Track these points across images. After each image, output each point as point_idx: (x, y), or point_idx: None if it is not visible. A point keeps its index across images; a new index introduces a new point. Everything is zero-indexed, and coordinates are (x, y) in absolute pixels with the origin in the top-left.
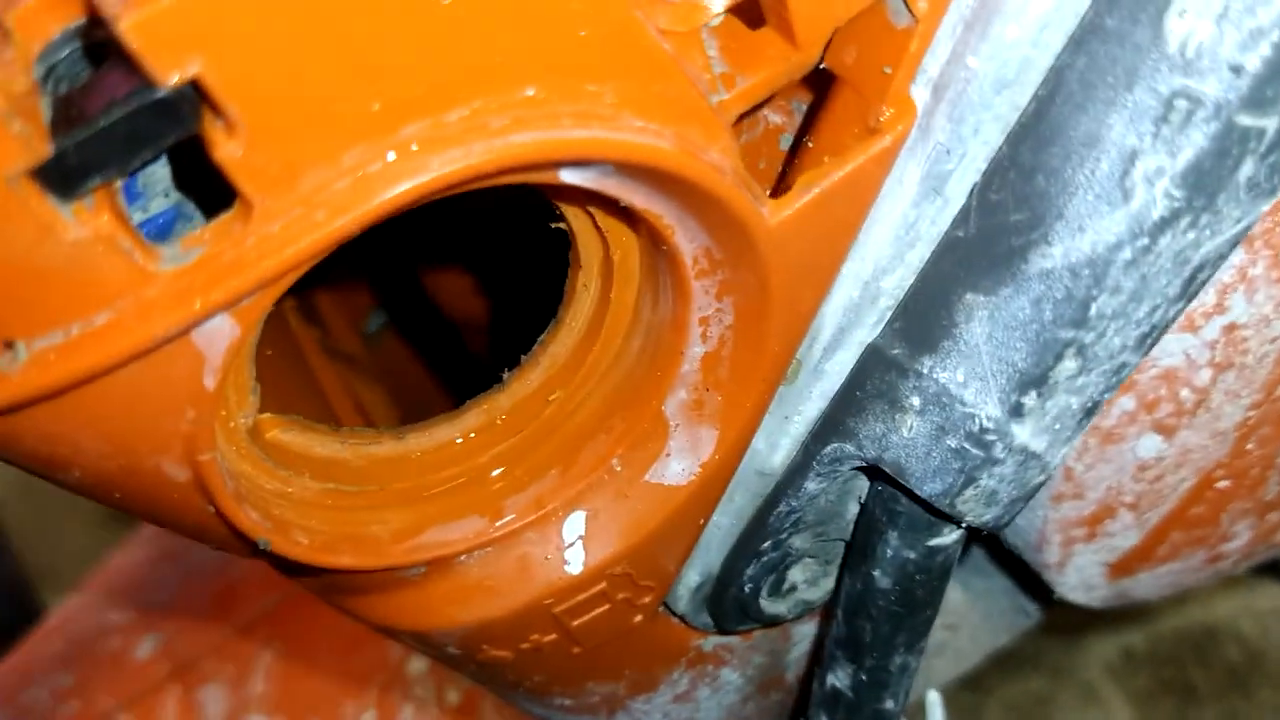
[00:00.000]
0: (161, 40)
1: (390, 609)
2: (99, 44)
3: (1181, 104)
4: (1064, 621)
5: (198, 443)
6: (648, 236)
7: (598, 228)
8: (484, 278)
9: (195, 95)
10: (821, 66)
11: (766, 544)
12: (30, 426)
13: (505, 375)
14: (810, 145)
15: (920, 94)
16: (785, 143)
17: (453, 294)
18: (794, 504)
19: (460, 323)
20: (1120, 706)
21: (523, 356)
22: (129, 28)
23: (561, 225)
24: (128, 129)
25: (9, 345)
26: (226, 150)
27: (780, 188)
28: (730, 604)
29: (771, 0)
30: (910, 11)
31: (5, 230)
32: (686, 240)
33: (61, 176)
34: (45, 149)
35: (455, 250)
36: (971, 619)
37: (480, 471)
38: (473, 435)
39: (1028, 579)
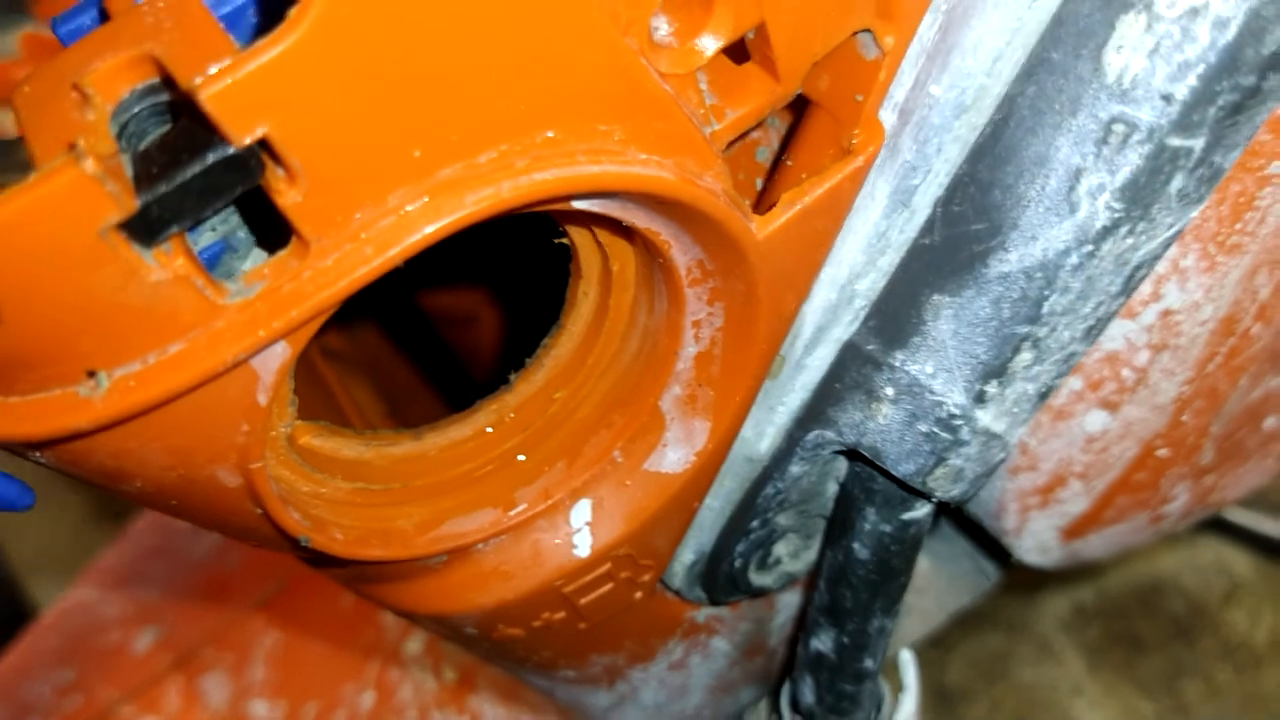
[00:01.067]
0: (236, 107)
1: (414, 596)
2: (166, 102)
3: (1119, 128)
4: (1019, 581)
5: (250, 453)
6: (645, 250)
7: (598, 242)
8: (481, 284)
9: (261, 152)
10: (798, 93)
11: (755, 522)
12: (103, 445)
13: (512, 377)
14: (789, 164)
15: (888, 118)
16: (761, 154)
17: (433, 292)
18: (780, 485)
19: (437, 318)
20: (1073, 658)
21: (527, 360)
22: (209, 98)
23: (564, 241)
24: (204, 183)
25: (91, 374)
26: (288, 198)
27: (764, 203)
28: (722, 578)
29: (756, 40)
30: (878, 45)
31: (96, 275)
32: (681, 253)
33: (146, 227)
34: (133, 203)
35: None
36: (936, 582)
37: (492, 466)
38: (484, 433)
39: (988, 544)
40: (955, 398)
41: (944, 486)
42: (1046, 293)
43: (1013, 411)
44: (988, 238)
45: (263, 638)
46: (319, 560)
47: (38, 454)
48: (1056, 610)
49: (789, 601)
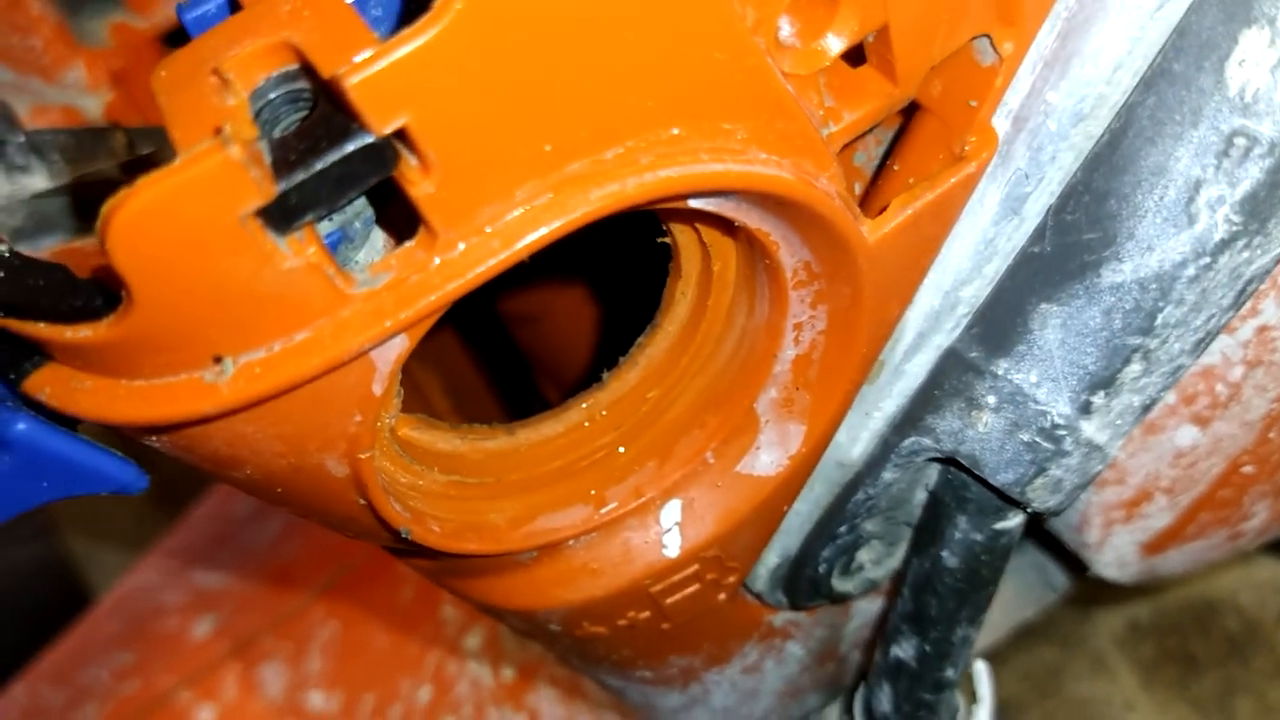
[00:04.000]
0: (379, 95)
1: (503, 590)
2: (300, 90)
3: (1240, 141)
4: (1074, 596)
5: (360, 442)
6: (749, 251)
7: (702, 242)
8: (550, 282)
9: (397, 141)
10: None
11: (842, 528)
12: (221, 431)
13: (605, 374)
14: (896, 169)
15: (1001, 124)
16: (859, 159)
17: (511, 293)
18: (871, 491)
19: (504, 316)
20: (1127, 675)
21: (620, 358)
22: (354, 85)
23: (665, 240)
24: (341, 172)
25: (218, 360)
26: (421, 189)
27: (870, 208)
28: (805, 582)
29: (876, 43)
30: (996, 51)
31: (232, 261)
32: (789, 255)
33: (284, 214)
34: (273, 190)
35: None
36: (1003, 593)
37: (584, 463)
38: (576, 430)
39: (1060, 556)
40: (1060, 408)
41: (1042, 497)
42: (1161, 304)
43: (1116, 423)
44: (1101, 247)
45: (321, 628)
46: (411, 552)
47: (154, 438)
48: (1111, 626)
49: (864, 608)
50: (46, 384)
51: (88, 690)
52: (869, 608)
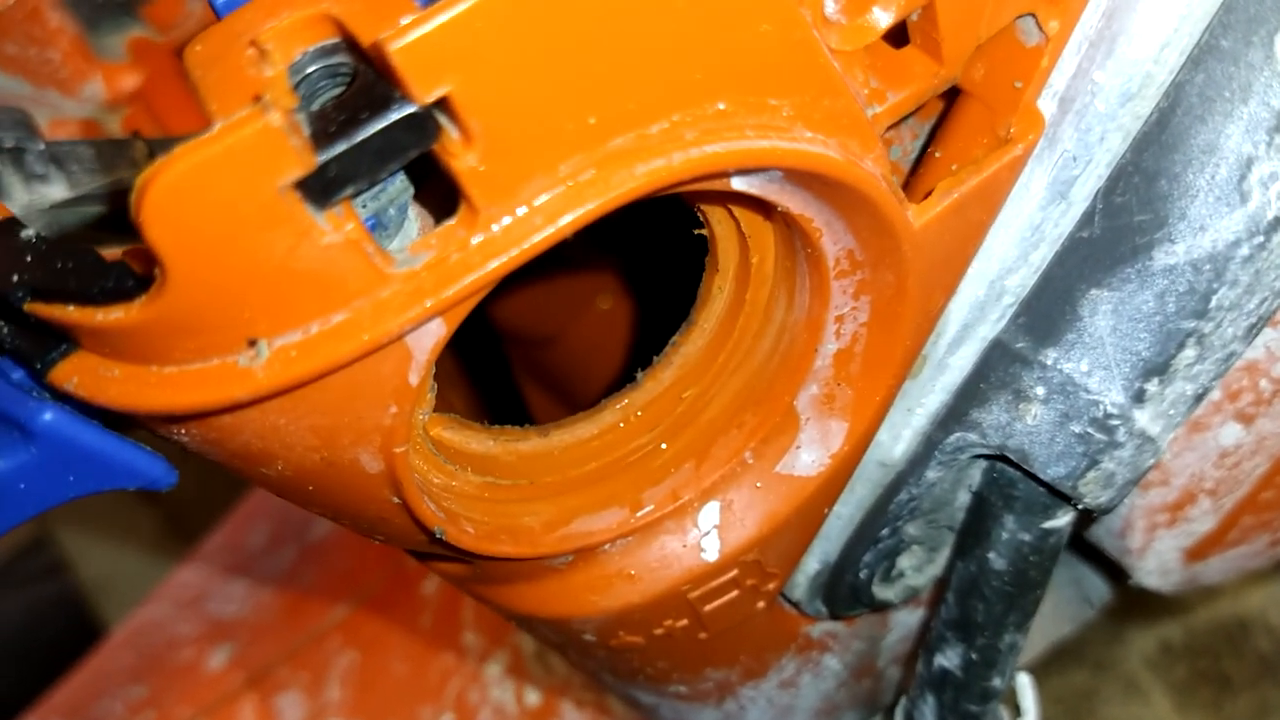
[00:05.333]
0: (422, 62)
1: (536, 598)
2: (339, 65)
3: None
4: (1105, 617)
5: (395, 436)
6: (789, 240)
7: (740, 234)
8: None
9: (439, 113)
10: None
11: (884, 531)
12: (252, 422)
13: (639, 374)
14: (937, 156)
15: (1047, 106)
16: (894, 153)
17: (517, 308)
18: (914, 491)
19: (516, 337)
20: (1160, 698)
21: (655, 357)
22: (397, 50)
23: (703, 232)
24: (383, 143)
25: (252, 343)
26: (463, 162)
27: (912, 197)
28: (845, 589)
29: (920, 22)
30: (1042, 30)
31: (269, 235)
32: (832, 242)
33: (322, 186)
34: (313, 160)
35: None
36: (1040, 610)
37: (619, 465)
38: (610, 431)
39: (1098, 564)
40: (1113, 396)
41: (1093, 492)
42: (1215, 286)
43: (1169, 413)
44: (1153, 229)
45: (339, 657)
46: (439, 556)
47: (181, 430)
48: (1143, 648)
49: (903, 620)
50: (74, 373)
51: None
52: (908, 620)
